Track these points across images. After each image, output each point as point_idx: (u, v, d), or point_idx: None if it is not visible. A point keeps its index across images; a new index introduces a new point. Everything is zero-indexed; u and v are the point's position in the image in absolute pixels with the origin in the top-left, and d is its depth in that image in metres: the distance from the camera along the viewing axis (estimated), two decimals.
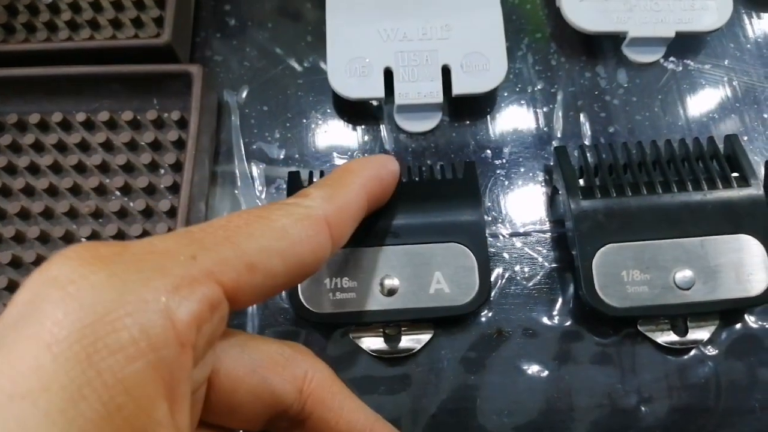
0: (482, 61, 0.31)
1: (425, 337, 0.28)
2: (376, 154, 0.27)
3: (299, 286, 0.27)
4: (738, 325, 0.29)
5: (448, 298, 0.27)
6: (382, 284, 0.27)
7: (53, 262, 0.15)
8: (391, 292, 0.27)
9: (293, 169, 0.32)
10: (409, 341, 0.28)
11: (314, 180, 0.29)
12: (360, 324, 0.28)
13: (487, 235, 0.28)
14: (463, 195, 0.28)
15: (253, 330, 0.29)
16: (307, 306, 0.27)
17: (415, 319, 0.28)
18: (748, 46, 0.35)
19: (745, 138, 0.32)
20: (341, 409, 0.21)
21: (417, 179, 0.29)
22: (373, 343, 0.28)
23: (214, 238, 0.17)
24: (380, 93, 0.31)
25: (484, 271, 0.27)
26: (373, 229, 0.28)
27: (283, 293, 0.29)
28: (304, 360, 0.20)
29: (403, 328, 0.28)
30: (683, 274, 0.27)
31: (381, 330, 0.28)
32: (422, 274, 0.27)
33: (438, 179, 0.29)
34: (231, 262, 0.17)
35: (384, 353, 0.28)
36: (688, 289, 0.27)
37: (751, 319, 0.29)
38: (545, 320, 0.29)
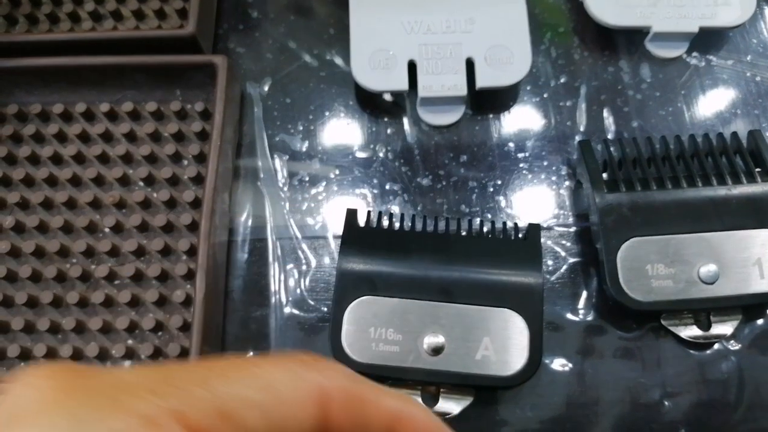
0: (506, 54, 0.31)
1: (465, 403, 0.27)
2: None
3: (343, 329, 0.26)
4: (761, 320, 0.29)
5: (494, 367, 0.26)
6: (426, 342, 0.26)
7: (12, 391, 0.15)
8: (436, 351, 0.26)
9: (317, 161, 0.32)
10: (448, 404, 0.27)
11: (371, 219, 0.28)
12: (399, 380, 0.27)
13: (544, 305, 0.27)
14: (524, 259, 0.27)
15: None
16: (349, 353, 0.26)
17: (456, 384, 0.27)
18: None
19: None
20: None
21: (478, 233, 0.28)
22: None
23: (189, 377, 0.16)
24: (404, 85, 0.31)
25: (536, 343, 0.26)
26: (425, 281, 0.27)
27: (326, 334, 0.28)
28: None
29: (442, 390, 0.27)
30: (707, 269, 0.27)
31: (419, 388, 0.27)
32: (470, 337, 0.26)
33: (500, 237, 0.28)
34: (201, 404, 0.16)
35: None
36: (712, 283, 0.27)
37: None
38: (569, 314, 0.29)
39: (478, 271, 0.27)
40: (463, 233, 0.28)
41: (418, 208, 0.31)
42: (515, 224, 0.29)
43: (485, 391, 0.27)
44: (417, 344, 0.26)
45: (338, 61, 0.34)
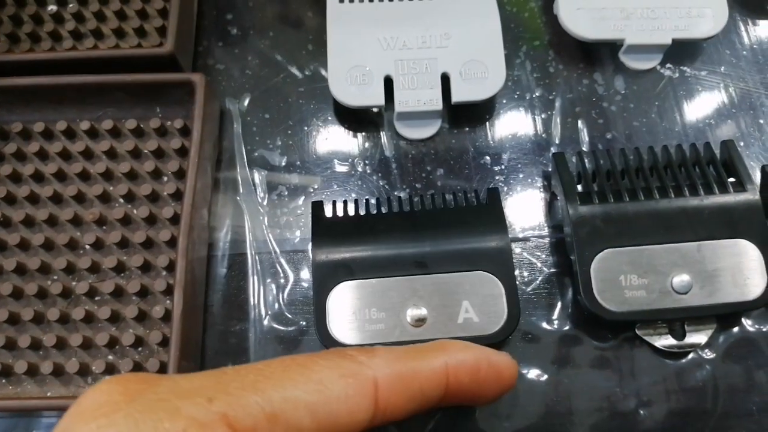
0: (481, 68, 0.32)
1: None
2: (490, 349, 0.22)
3: (328, 317, 0.27)
4: (735, 329, 0.29)
5: (477, 327, 0.27)
6: (409, 315, 0.27)
7: (87, 395, 0.17)
8: (420, 322, 0.27)
9: (296, 176, 0.32)
10: None
11: (337, 209, 0.29)
12: None
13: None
14: (488, 222, 0.28)
15: None
16: (337, 339, 0.27)
17: None
18: (744, 52, 0.35)
19: (742, 144, 0.33)
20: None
21: (441, 206, 0.29)
22: None
23: (241, 382, 0.17)
24: (380, 101, 0.31)
25: (512, 298, 0.27)
26: (399, 258, 0.28)
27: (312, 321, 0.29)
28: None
29: None
30: (680, 279, 0.28)
31: None
32: (450, 303, 0.27)
33: (462, 206, 0.29)
34: (250, 408, 0.17)
35: None
36: (685, 293, 0.28)
37: (748, 323, 0.29)
38: (544, 325, 0.29)
39: (447, 240, 0.28)
40: (428, 208, 0.29)
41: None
42: (475, 191, 0.30)
43: None
44: (401, 319, 0.27)
45: (317, 76, 0.35)
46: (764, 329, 0.29)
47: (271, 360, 0.18)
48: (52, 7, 0.34)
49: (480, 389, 0.22)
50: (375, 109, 0.34)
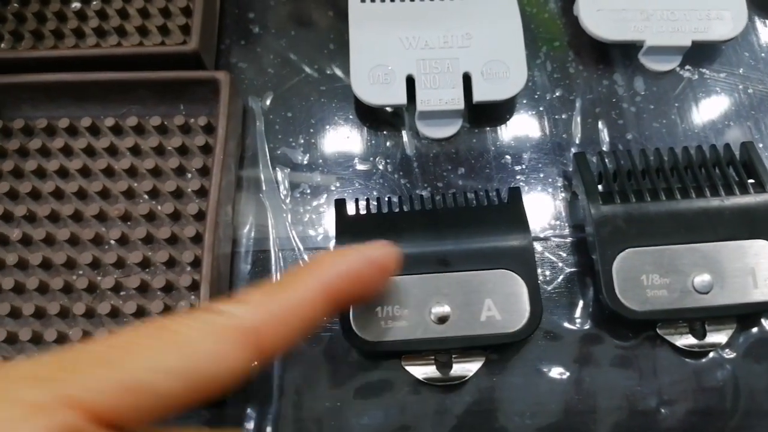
0: (502, 68, 0.32)
1: (477, 364, 0.28)
2: (366, 246, 0.23)
3: (351, 312, 0.27)
4: (755, 329, 0.30)
5: (500, 325, 0.27)
6: (433, 312, 0.27)
7: None
8: (442, 320, 0.27)
9: (317, 174, 0.33)
10: (461, 368, 0.28)
11: (360, 207, 0.29)
12: (411, 352, 0.28)
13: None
14: (511, 221, 0.29)
15: None
16: (360, 335, 0.27)
17: (467, 347, 0.28)
18: (763, 54, 0.35)
19: (761, 145, 0.33)
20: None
21: (463, 204, 0.29)
22: (425, 371, 0.28)
23: (90, 358, 0.16)
24: (402, 100, 0.32)
25: (535, 296, 0.27)
26: (422, 256, 0.28)
27: (335, 319, 0.29)
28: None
29: (454, 356, 0.28)
30: (701, 279, 0.28)
31: (432, 358, 0.28)
32: (473, 301, 0.27)
33: (484, 205, 0.29)
34: (101, 384, 0.15)
35: (436, 381, 0.28)
36: (706, 293, 0.28)
37: None
38: (566, 323, 0.30)
39: (470, 238, 0.28)
40: (450, 206, 0.29)
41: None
42: (497, 190, 0.30)
43: (495, 350, 0.29)
44: (424, 316, 0.27)
45: (338, 75, 0.35)
46: None
47: (126, 330, 0.17)
48: (76, 4, 0.34)
49: (367, 288, 0.22)
50: (392, 109, 0.34)
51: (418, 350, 0.28)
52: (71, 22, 0.34)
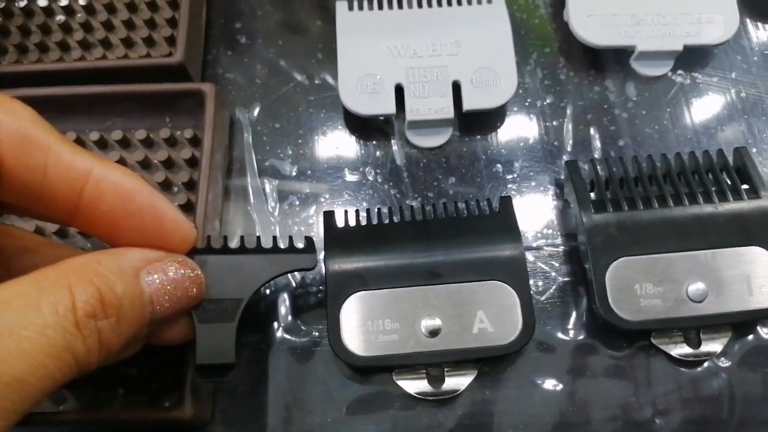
0: (492, 76, 0.32)
1: (469, 378, 0.28)
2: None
3: (341, 328, 0.27)
4: (750, 337, 0.29)
5: (492, 337, 0.27)
6: (423, 325, 0.27)
7: None
8: (433, 333, 0.27)
9: (306, 185, 0.32)
10: (454, 381, 0.28)
11: (349, 219, 0.29)
12: (402, 366, 0.27)
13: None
14: (502, 231, 0.28)
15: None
16: (351, 349, 0.26)
17: (459, 361, 0.27)
18: (755, 58, 0.35)
19: (754, 150, 0.33)
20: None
21: (454, 215, 0.29)
22: (417, 385, 0.28)
23: None
24: (391, 109, 0.31)
25: (527, 308, 0.27)
26: (412, 268, 0.27)
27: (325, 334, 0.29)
28: None
29: (446, 369, 0.28)
30: (696, 287, 0.27)
31: (424, 372, 0.28)
32: (464, 313, 0.27)
33: (475, 214, 0.29)
34: None
35: (428, 395, 0.28)
36: (700, 301, 0.27)
37: (763, 331, 0.29)
38: (559, 334, 0.29)
39: (460, 249, 0.28)
40: (440, 217, 0.29)
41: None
42: (488, 199, 0.29)
43: (488, 363, 0.28)
44: (415, 329, 0.27)
45: (327, 85, 0.34)
46: None
47: None
48: (60, 17, 0.34)
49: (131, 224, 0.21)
50: (383, 118, 0.33)
51: (409, 364, 0.27)
52: (56, 34, 0.34)
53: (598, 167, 0.30)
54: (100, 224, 0.22)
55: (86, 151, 0.21)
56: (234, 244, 0.26)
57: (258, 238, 0.26)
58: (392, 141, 0.33)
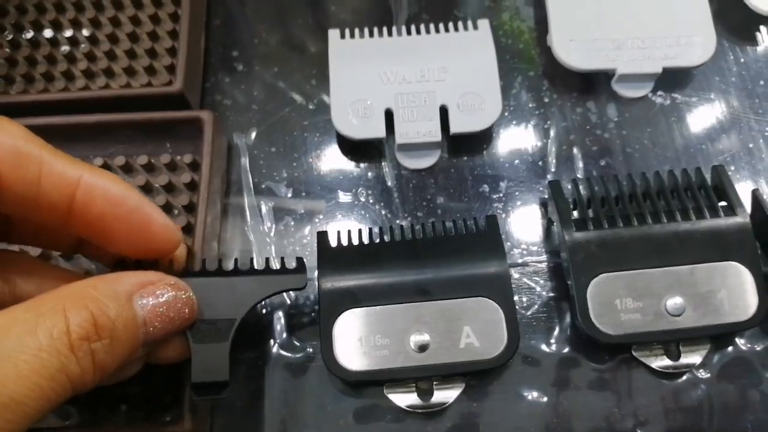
0: (478, 100, 0.33)
1: (457, 391, 0.29)
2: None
3: (334, 344, 0.28)
4: (729, 349, 0.30)
5: (479, 352, 0.28)
6: (412, 341, 0.28)
7: None
8: (422, 348, 0.28)
9: (302, 207, 0.34)
10: (442, 395, 0.29)
11: (342, 239, 0.30)
12: (393, 380, 0.29)
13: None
14: (487, 249, 0.29)
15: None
16: (343, 365, 0.28)
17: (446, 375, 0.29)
18: (733, 78, 0.36)
19: (732, 167, 0.34)
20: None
21: (442, 234, 0.30)
22: (407, 398, 0.29)
23: None
24: (381, 133, 0.33)
25: (512, 323, 0.28)
26: (402, 285, 0.29)
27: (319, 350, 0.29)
28: None
29: (434, 383, 0.29)
30: (674, 302, 0.28)
31: (413, 385, 0.29)
32: (452, 329, 0.28)
33: (462, 233, 0.30)
34: None
35: (418, 408, 0.29)
36: (679, 315, 0.28)
37: (741, 342, 0.30)
38: (544, 348, 0.30)
39: (448, 267, 0.29)
40: (429, 236, 0.30)
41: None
42: (474, 218, 0.30)
43: (475, 376, 0.30)
44: (404, 345, 0.28)
45: (320, 109, 0.36)
46: (757, 348, 0.30)
47: None
48: (65, 48, 0.36)
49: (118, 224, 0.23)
50: (377, 141, 0.35)
51: (399, 378, 0.28)
52: (61, 64, 0.35)
53: (581, 186, 0.31)
54: (92, 227, 0.23)
55: (77, 161, 0.23)
56: (229, 265, 0.27)
57: (251, 259, 0.28)
58: (383, 163, 0.35)
